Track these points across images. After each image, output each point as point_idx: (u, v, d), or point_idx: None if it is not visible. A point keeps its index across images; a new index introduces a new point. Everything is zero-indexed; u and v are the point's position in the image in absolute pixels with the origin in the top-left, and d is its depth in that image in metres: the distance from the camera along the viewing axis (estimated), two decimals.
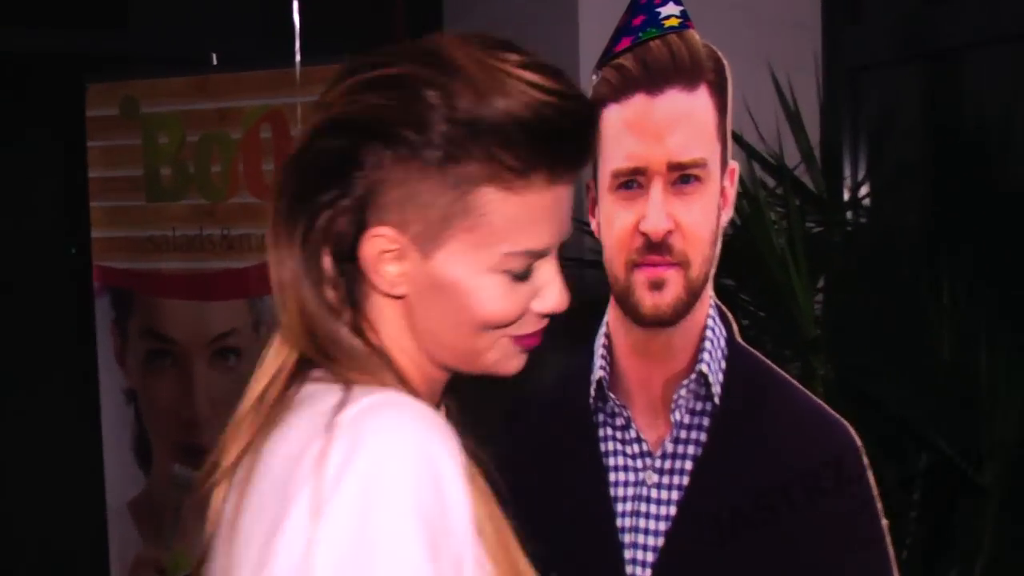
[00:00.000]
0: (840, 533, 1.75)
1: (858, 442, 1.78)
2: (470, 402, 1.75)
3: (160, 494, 4.89)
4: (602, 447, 1.85)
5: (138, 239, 4.86)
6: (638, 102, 1.76)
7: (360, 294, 1.62)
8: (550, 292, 1.58)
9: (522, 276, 1.55)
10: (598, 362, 1.86)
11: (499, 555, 1.55)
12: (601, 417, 1.86)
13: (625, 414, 1.84)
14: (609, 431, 1.86)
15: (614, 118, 1.79)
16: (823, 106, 3.79)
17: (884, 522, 1.78)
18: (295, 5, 4.74)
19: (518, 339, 1.62)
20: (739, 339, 1.88)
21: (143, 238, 4.85)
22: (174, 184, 4.80)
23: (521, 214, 1.52)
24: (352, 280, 1.61)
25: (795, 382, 1.85)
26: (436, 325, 1.61)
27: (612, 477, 1.84)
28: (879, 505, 1.78)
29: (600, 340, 1.89)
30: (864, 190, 3.77)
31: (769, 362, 1.86)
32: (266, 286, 4.79)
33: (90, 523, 5.01)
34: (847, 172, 3.99)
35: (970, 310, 2.92)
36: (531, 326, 1.61)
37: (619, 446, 1.84)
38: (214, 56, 4.92)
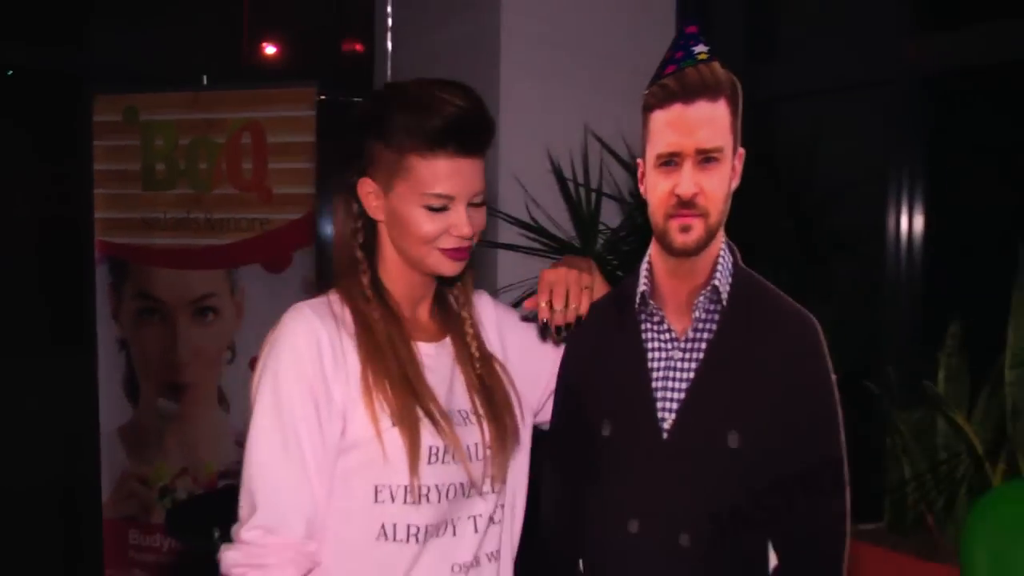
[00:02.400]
0: (800, 388, 2.06)
1: (819, 327, 2.09)
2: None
3: (145, 422, 5.05)
4: (643, 336, 2.17)
5: (134, 220, 5.02)
6: (676, 109, 2.08)
7: (372, 230, 2.22)
8: (457, 225, 2.12)
9: (437, 210, 2.11)
10: (642, 279, 2.18)
11: (387, 397, 2.09)
12: (643, 316, 2.18)
13: (660, 314, 2.16)
14: (648, 325, 2.17)
15: (659, 119, 2.10)
16: None
17: (833, 376, 2.07)
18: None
19: (444, 251, 2.15)
20: (741, 263, 2.17)
21: (138, 219, 5.01)
22: (166, 177, 4.98)
23: (432, 172, 2.10)
24: (370, 223, 2.21)
25: (778, 290, 2.14)
26: (398, 240, 2.20)
27: (649, 355, 2.15)
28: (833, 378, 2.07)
29: (644, 265, 2.20)
30: None
31: (761, 277, 2.16)
32: (241, 259, 4.99)
33: (87, 445, 5.11)
34: None
35: None
36: (450, 244, 2.14)
37: (655, 335, 2.16)
38: (204, 77, 5.06)
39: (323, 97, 4.84)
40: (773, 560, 2.08)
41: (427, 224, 2.12)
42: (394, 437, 2.07)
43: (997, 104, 4.15)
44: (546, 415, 2.35)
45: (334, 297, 2.18)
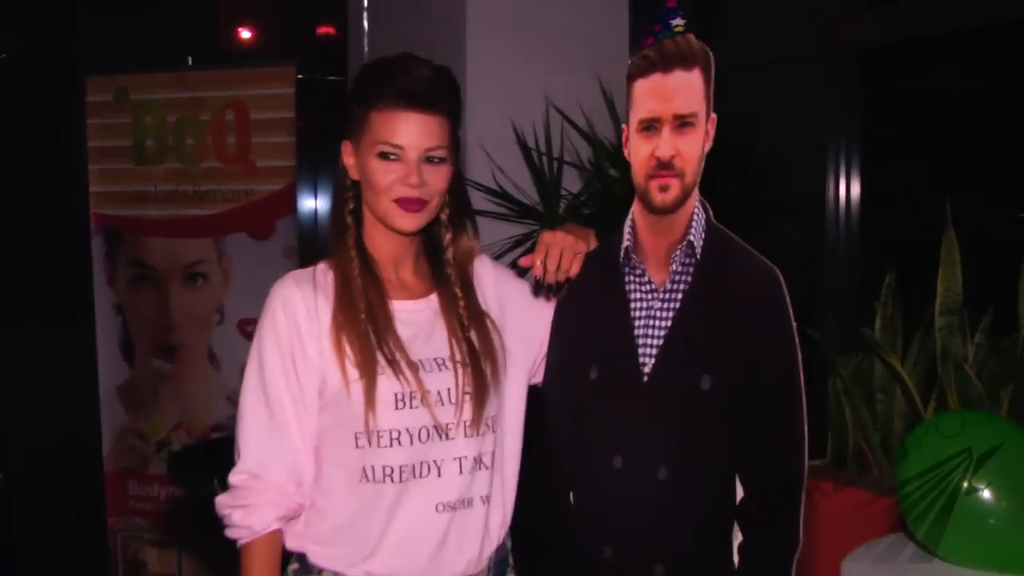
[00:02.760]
0: (765, 333, 2.20)
1: (781, 278, 2.22)
2: None
3: (141, 381, 5.15)
4: (626, 287, 2.30)
5: (126, 193, 5.10)
6: (656, 78, 2.21)
7: (359, 195, 2.35)
8: (406, 175, 2.22)
9: (389, 159, 2.23)
10: (625, 235, 2.30)
11: (352, 348, 2.21)
12: (626, 269, 2.30)
13: (642, 267, 2.28)
14: (631, 277, 2.29)
15: (641, 87, 2.23)
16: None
17: (794, 324, 2.22)
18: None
19: (397, 202, 2.25)
20: (713, 220, 2.29)
21: (130, 192, 5.09)
22: (156, 152, 5.06)
23: (384, 122, 2.22)
24: (358, 189, 2.34)
25: (745, 244, 2.26)
26: (366, 195, 2.31)
27: (632, 305, 2.28)
28: (794, 325, 2.23)
29: (628, 223, 2.31)
30: None
31: (731, 233, 2.28)
32: (228, 228, 5.07)
33: (87, 403, 5.20)
34: None
35: None
36: (400, 193, 2.24)
37: (637, 286, 2.29)
38: (189, 59, 5.12)
39: (300, 76, 4.93)
40: (740, 493, 2.21)
41: (380, 172, 2.23)
42: (361, 387, 2.20)
43: (923, 74, 4.30)
44: (539, 376, 2.46)
45: (322, 266, 2.33)
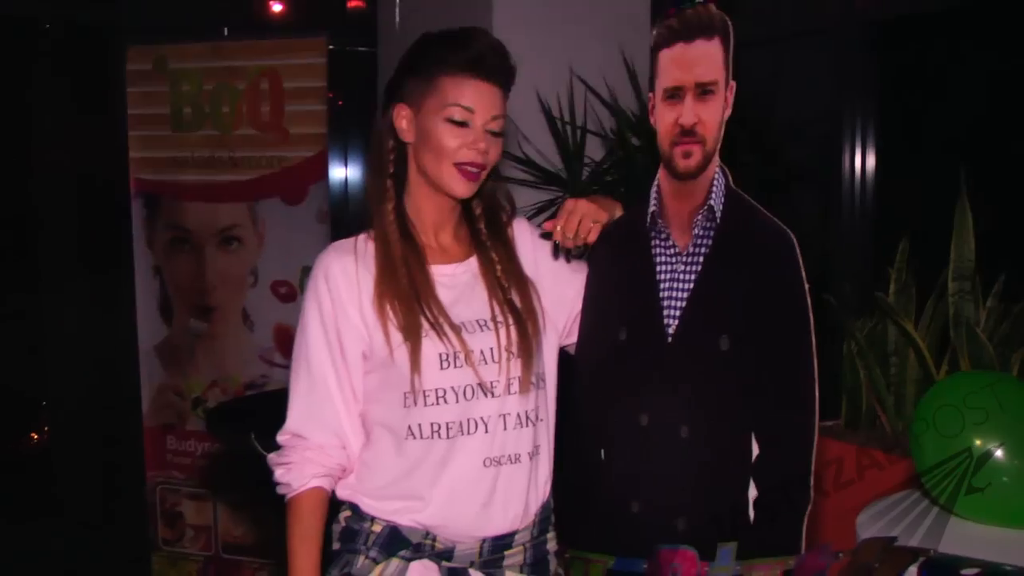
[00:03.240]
0: (779, 294, 2.18)
1: (795, 241, 2.19)
2: None
3: (178, 340, 5.15)
4: (653, 251, 2.29)
5: (165, 159, 5.08)
6: (679, 48, 2.21)
7: (402, 161, 2.34)
8: (475, 140, 2.22)
9: (459, 124, 2.22)
10: (652, 201, 2.30)
11: (395, 311, 2.22)
12: (652, 232, 2.30)
13: (667, 231, 2.28)
14: (657, 241, 2.29)
15: (665, 57, 2.23)
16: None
17: (807, 286, 2.19)
18: None
19: (459, 168, 2.25)
20: (732, 185, 2.27)
21: (168, 158, 5.07)
22: (193, 119, 5.03)
23: (457, 88, 2.21)
24: (400, 154, 2.33)
25: (762, 208, 2.25)
26: (422, 159, 2.31)
27: (657, 268, 2.28)
28: (807, 287, 2.20)
29: (654, 189, 2.32)
30: None
31: (749, 198, 2.26)
32: (262, 193, 5.05)
33: (127, 361, 5.21)
34: None
35: None
36: (467, 157, 2.23)
37: (662, 250, 2.28)
38: (225, 29, 5.10)
39: (331, 47, 4.90)
40: (756, 450, 2.19)
41: (448, 136, 2.23)
42: (406, 350, 2.22)
43: (938, 45, 4.23)
44: (571, 337, 2.46)
45: (363, 236, 2.33)
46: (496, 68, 2.23)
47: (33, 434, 5.86)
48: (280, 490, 2.29)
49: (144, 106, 5.07)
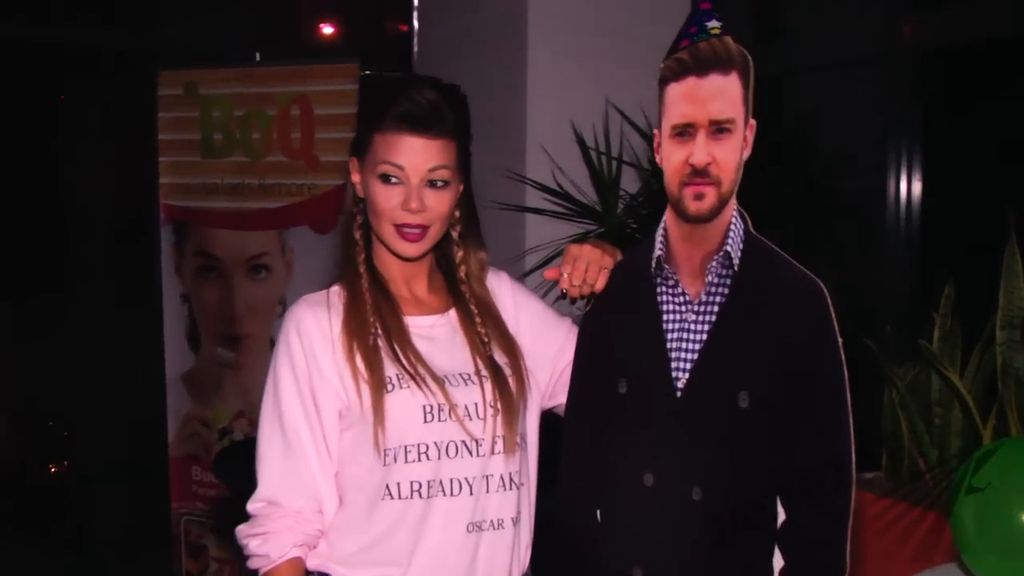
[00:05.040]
0: (809, 350, 1.99)
1: (826, 293, 2.02)
2: None
3: (206, 369, 5.02)
4: (658, 298, 2.10)
5: (194, 185, 4.96)
6: (690, 81, 2.01)
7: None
8: (406, 200, 2.07)
9: (391, 182, 2.08)
10: (658, 245, 2.11)
11: (364, 361, 2.07)
12: (658, 280, 2.11)
13: (675, 277, 2.09)
14: (663, 288, 2.11)
15: (674, 91, 2.03)
16: None
17: (839, 340, 2.00)
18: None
19: (398, 229, 2.11)
20: (752, 230, 2.10)
21: (198, 184, 4.95)
22: (223, 145, 4.90)
23: (386, 145, 2.07)
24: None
25: (786, 256, 2.07)
26: (369, 216, 2.16)
27: (664, 317, 2.09)
28: (840, 341, 2.01)
29: (659, 232, 2.13)
30: None
31: (771, 244, 2.09)
32: (291, 221, 4.92)
33: (153, 389, 5.10)
34: None
35: None
36: (401, 219, 2.09)
37: (669, 297, 2.09)
38: (257, 54, 4.99)
39: (367, 73, 4.77)
40: (781, 515, 2.02)
41: (381, 195, 2.10)
42: (385, 402, 2.07)
43: (987, 78, 4.05)
44: (555, 399, 2.31)
45: (335, 287, 2.18)
46: (431, 119, 2.09)
47: (51, 465, 5.76)
48: (255, 563, 2.11)
49: (174, 131, 4.95)
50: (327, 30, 6.00)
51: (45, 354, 5.60)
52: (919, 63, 4.06)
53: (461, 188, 2.19)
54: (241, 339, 4.92)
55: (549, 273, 2.27)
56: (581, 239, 4.03)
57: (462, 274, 2.25)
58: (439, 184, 2.11)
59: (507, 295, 2.31)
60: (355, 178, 2.18)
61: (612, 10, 4.36)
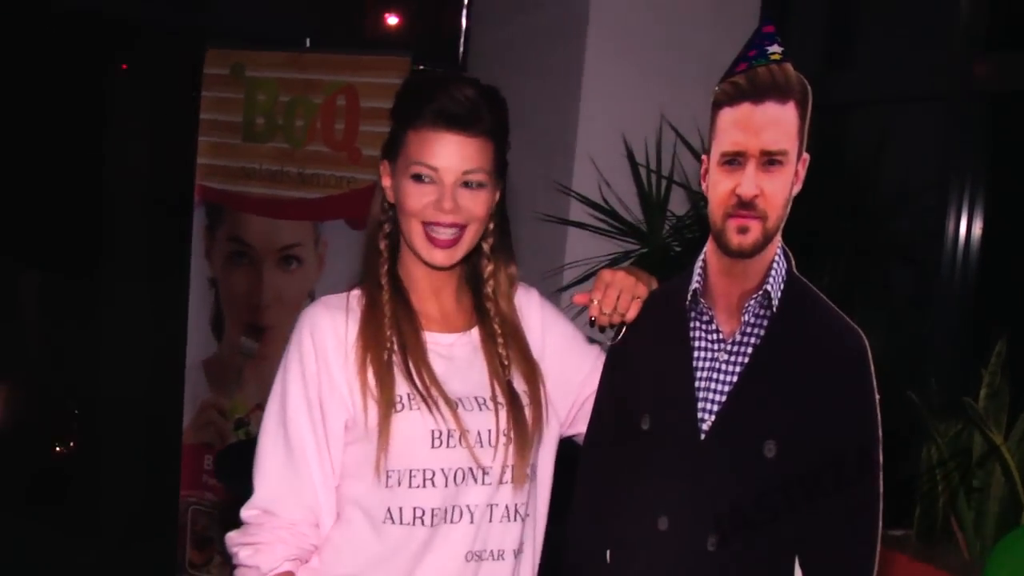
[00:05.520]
0: (843, 405, 1.89)
1: (867, 344, 1.91)
2: None
3: (227, 357, 4.96)
4: (691, 333, 2.02)
5: (232, 168, 4.90)
6: (745, 108, 1.92)
7: (396, 221, 2.11)
8: (439, 200, 2.00)
9: (423, 181, 2.01)
10: (695, 277, 2.03)
11: (377, 385, 1.99)
12: (692, 314, 2.03)
13: (710, 313, 2.01)
14: (697, 323, 2.02)
15: (727, 117, 1.95)
16: None
17: (877, 397, 1.89)
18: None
19: (427, 235, 2.03)
20: (795, 271, 2.00)
21: (236, 168, 4.89)
22: (265, 130, 4.85)
23: (419, 143, 2.01)
24: (395, 214, 2.10)
25: (829, 301, 1.97)
26: (400, 220, 2.07)
27: (695, 354, 2.00)
28: (877, 395, 1.89)
29: (699, 263, 2.05)
30: None
31: (814, 288, 1.99)
32: (327, 213, 4.88)
33: (173, 373, 5.06)
34: None
35: None
36: (431, 217, 2.01)
37: (703, 334, 2.01)
38: (307, 39, 4.91)
39: (421, 67, 4.71)
40: (799, 573, 1.89)
41: (413, 195, 2.03)
42: (392, 421, 1.99)
43: None
44: (575, 428, 2.23)
45: (356, 292, 2.10)
46: (468, 117, 2.02)
47: (57, 446, 5.72)
48: (243, 575, 2.02)
49: (217, 112, 4.89)
50: (385, 21, 5.92)
51: (68, 329, 5.59)
52: (989, 104, 3.97)
53: (497, 195, 2.12)
54: (266, 330, 4.85)
55: (579, 298, 2.18)
56: (622, 259, 3.98)
57: (489, 290, 2.17)
58: (474, 185, 2.04)
59: (535, 315, 2.23)
60: (386, 182, 2.10)
61: (675, 24, 4.29)
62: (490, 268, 2.17)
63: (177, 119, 5.44)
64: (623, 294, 2.13)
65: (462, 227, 2.04)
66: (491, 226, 2.14)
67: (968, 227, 3.92)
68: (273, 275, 4.84)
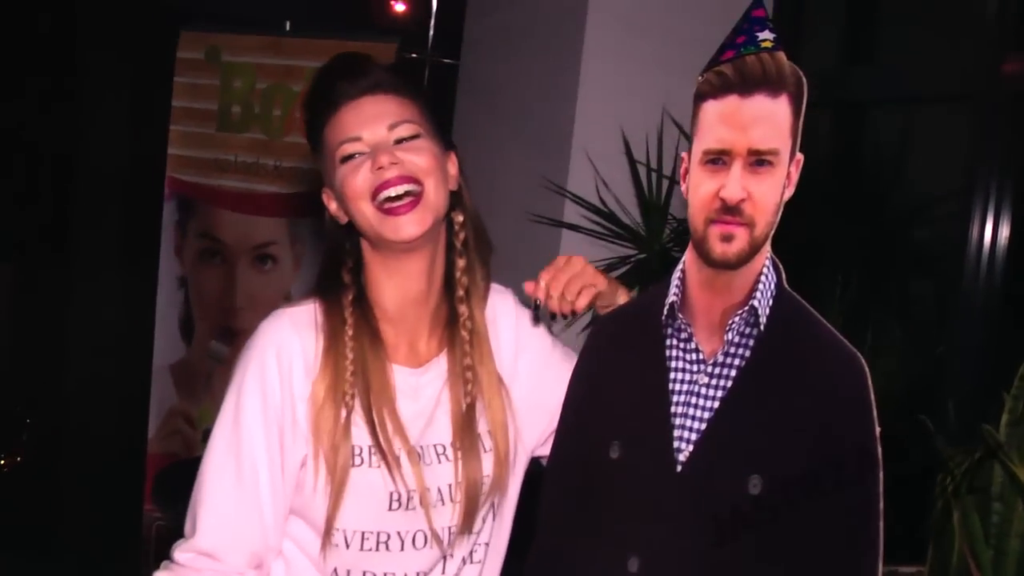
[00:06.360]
0: (838, 438, 1.75)
1: (866, 369, 1.79)
2: None
3: (197, 361, 4.91)
4: (667, 352, 1.86)
5: (205, 159, 4.86)
6: (732, 101, 1.76)
7: (356, 249, 1.97)
8: (373, 164, 1.85)
9: (352, 158, 1.87)
10: (673, 290, 1.86)
11: (336, 432, 1.82)
12: (670, 331, 1.87)
13: (689, 330, 1.84)
14: (674, 341, 1.86)
15: (711, 110, 1.79)
16: None
17: (878, 430, 1.76)
18: None
19: (380, 207, 1.86)
20: (785, 285, 1.88)
21: (210, 159, 4.85)
22: (240, 119, 4.80)
23: (335, 127, 1.89)
24: (353, 242, 1.97)
25: (824, 321, 1.85)
26: (355, 222, 1.91)
27: (671, 375, 1.86)
28: (877, 426, 1.76)
29: (677, 274, 1.90)
30: None
31: (807, 304, 1.87)
32: (304, 210, 4.70)
33: (137, 378, 4.99)
34: None
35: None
36: (378, 180, 1.84)
37: (680, 353, 1.85)
38: (288, 23, 4.85)
39: (414, 56, 4.60)
40: None
41: (350, 176, 1.87)
42: (350, 477, 1.83)
43: None
44: (544, 450, 2.06)
45: (319, 306, 1.90)
46: (368, 80, 1.92)
47: (3, 459, 5.56)
48: None
49: (190, 99, 4.84)
50: (371, 4, 5.85)
51: (31, 327, 5.51)
52: (1018, 105, 3.82)
53: (441, 153, 1.95)
54: (238, 334, 4.75)
55: (529, 285, 2.03)
56: (619, 264, 3.83)
57: (462, 291, 2.01)
58: (407, 138, 1.90)
59: (509, 326, 2.08)
60: (332, 206, 1.96)
61: (678, 15, 4.13)
62: (463, 264, 2.01)
63: (151, 106, 5.35)
64: (574, 280, 1.99)
65: (415, 182, 1.88)
66: (461, 219, 2.00)
67: (993, 236, 3.76)
68: (247, 275, 4.76)
